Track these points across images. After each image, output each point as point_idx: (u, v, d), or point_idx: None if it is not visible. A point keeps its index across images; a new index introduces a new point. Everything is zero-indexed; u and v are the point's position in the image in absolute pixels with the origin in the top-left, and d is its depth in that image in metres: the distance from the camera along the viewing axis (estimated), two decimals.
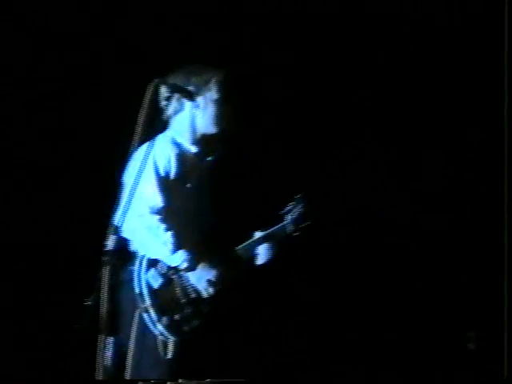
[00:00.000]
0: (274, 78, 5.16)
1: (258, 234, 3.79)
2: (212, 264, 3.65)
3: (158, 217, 3.57)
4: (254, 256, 3.80)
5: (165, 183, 3.65)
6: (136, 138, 3.32)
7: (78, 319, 3.27)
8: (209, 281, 3.60)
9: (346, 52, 5.25)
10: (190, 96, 3.61)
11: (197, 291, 3.61)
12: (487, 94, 5.13)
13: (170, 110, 3.62)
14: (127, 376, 3.62)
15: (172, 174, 3.64)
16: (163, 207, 3.64)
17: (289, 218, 3.85)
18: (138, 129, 3.29)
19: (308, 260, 5.03)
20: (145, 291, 3.53)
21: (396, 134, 5.26)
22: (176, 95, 3.62)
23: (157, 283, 3.54)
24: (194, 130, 3.73)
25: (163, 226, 3.55)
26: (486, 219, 4.88)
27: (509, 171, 4.22)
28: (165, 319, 3.50)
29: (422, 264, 4.76)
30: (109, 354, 3.22)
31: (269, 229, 3.83)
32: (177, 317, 3.56)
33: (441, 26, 5.29)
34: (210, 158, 3.79)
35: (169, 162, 3.65)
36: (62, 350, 4.34)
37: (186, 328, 3.57)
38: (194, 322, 3.60)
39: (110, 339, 3.20)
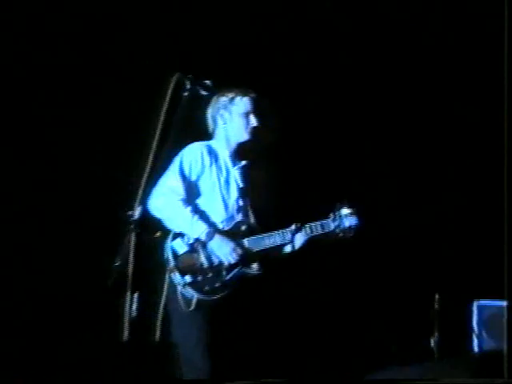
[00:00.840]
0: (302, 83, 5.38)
1: (293, 226, 4.28)
2: (230, 237, 4.21)
3: (179, 197, 4.16)
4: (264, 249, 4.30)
5: (188, 178, 4.22)
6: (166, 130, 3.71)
7: (109, 277, 3.70)
8: (230, 251, 4.15)
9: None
10: (208, 89, 3.89)
11: (218, 259, 4.13)
12: (487, 94, 5.25)
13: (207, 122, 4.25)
14: (156, 328, 4.11)
15: (197, 173, 4.19)
16: (184, 191, 4.20)
17: (331, 218, 4.34)
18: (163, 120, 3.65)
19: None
20: (170, 256, 4.08)
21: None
22: (195, 88, 3.89)
23: (182, 250, 4.09)
24: (227, 138, 4.31)
25: (183, 204, 4.13)
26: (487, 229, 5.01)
27: (509, 171, 4.14)
28: (188, 279, 4.04)
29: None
30: (134, 308, 3.58)
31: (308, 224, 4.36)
32: (199, 278, 4.10)
33: (441, 26, 5.51)
34: (243, 163, 4.33)
35: (197, 161, 4.22)
36: (95, 304, 4.76)
37: (207, 288, 4.09)
38: (216, 283, 4.12)
39: (135, 295, 3.57)
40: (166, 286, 4.18)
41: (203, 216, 4.23)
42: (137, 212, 3.70)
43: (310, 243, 4.38)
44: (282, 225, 4.36)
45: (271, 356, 4.56)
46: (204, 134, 4.40)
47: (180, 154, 4.31)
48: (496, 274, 4.86)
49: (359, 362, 5.08)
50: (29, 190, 5.21)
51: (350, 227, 4.36)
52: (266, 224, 4.38)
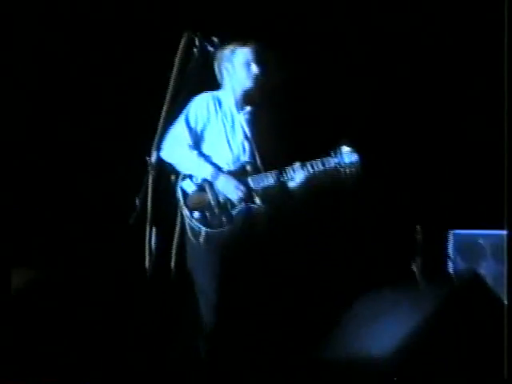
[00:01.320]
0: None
1: (297, 164, 4.52)
2: (234, 177, 4.50)
3: (186, 143, 4.50)
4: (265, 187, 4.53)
5: (194, 126, 4.52)
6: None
7: (130, 214, 4.15)
8: (234, 189, 4.45)
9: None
10: (214, 45, 4.23)
11: (224, 196, 4.45)
12: (487, 93, 5.30)
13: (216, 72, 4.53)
14: (172, 259, 4.49)
15: (203, 121, 4.48)
16: (191, 137, 4.53)
17: (332, 155, 4.52)
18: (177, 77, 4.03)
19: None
20: (180, 195, 4.44)
21: None
22: (203, 44, 4.20)
23: (190, 189, 4.43)
24: (233, 88, 4.58)
25: (190, 149, 4.47)
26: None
27: (509, 170, 4.09)
28: (196, 214, 4.38)
29: None
30: (153, 241, 3.98)
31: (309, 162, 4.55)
32: (207, 213, 4.43)
33: (442, 27, 5.59)
34: (248, 108, 4.59)
35: (202, 111, 4.51)
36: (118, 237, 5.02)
37: (214, 222, 4.43)
38: (222, 218, 4.44)
39: (154, 230, 3.98)
40: (178, 222, 4.50)
41: (209, 159, 4.53)
42: (153, 157, 4.08)
43: (311, 180, 4.54)
44: (285, 164, 4.55)
45: (277, 286, 4.68)
46: (214, 86, 4.59)
47: (188, 104, 4.58)
48: (470, 206, 5.41)
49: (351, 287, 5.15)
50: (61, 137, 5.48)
51: (350, 163, 4.51)
52: (270, 164, 4.58)
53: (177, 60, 4.05)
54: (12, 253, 5.15)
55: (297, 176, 4.53)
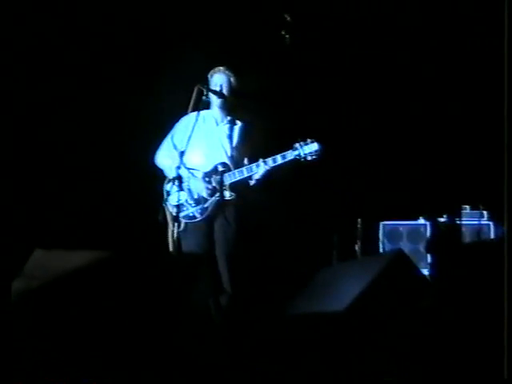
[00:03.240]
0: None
1: (260, 160, 4.89)
2: (204, 177, 4.93)
3: (169, 153, 5.02)
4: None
5: (177, 138, 5.00)
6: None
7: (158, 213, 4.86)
8: (203, 187, 4.95)
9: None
10: (220, 95, 4.98)
11: (197, 193, 4.94)
12: (487, 94, 5.31)
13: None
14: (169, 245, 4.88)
15: (185, 135, 4.86)
16: (174, 148, 5.01)
17: (293, 148, 4.85)
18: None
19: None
20: (165, 195, 4.95)
21: None
22: (208, 92, 4.94)
23: (172, 190, 4.86)
24: (212, 105, 5.04)
25: (173, 159, 4.91)
26: None
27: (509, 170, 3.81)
28: (175, 209, 4.78)
29: None
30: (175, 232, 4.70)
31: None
32: (184, 208, 4.94)
33: (442, 27, 5.82)
34: (228, 118, 5.02)
35: (186, 126, 4.93)
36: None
37: (190, 214, 4.94)
38: (197, 209, 4.94)
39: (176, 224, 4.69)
40: (167, 215, 4.93)
41: (185, 165, 4.95)
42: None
43: (272, 172, 4.86)
44: (251, 162, 4.92)
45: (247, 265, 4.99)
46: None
47: (176, 123, 5.14)
48: (393, 204, 6.13)
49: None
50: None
51: (310, 153, 4.82)
52: (238, 163, 4.99)
53: (191, 103, 4.87)
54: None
55: (259, 170, 4.89)
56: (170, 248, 4.85)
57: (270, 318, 4.76)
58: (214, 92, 5.06)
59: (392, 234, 6.12)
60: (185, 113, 4.99)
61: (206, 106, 5.09)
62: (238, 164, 5.02)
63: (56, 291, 4.45)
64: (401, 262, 4.41)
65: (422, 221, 6.11)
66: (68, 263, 4.58)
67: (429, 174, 5.94)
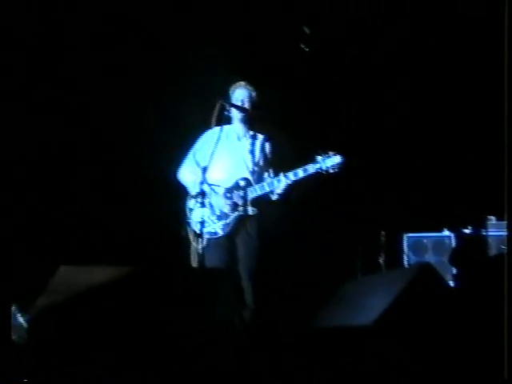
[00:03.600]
0: None
1: (281, 175, 4.86)
2: (226, 194, 4.94)
3: (192, 169, 5.01)
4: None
5: (199, 155, 5.00)
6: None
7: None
8: (223, 203, 4.93)
9: None
10: (242, 110, 5.00)
11: (219, 209, 4.93)
12: (487, 93, 5.33)
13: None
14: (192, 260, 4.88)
15: (207, 150, 4.85)
16: (196, 164, 5.00)
17: (315, 161, 4.80)
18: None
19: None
20: (188, 211, 4.96)
21: None
22: (231, 108, 4.98)
23: (194, 206, 4.87)
24: (234, 119, 5.06)
25: (193, 174, 4.93)
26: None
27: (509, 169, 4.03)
28: (199, 225, 4.71)
29: None
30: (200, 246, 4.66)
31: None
32: (206, 224, 4.83)
33: (443, 27, 5.83)
34: (251, 133, 5.03)
35: (207, 141, 4.96)
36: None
37: (213, 230, 4.94)
38: (219, 225, 4.92)
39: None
40: (191, 232, 4.90)
41: (208, 181, 4.92)
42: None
43: (294, 186, 4.83)
44: (273, 176, 4.90)
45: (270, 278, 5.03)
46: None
47: (197, 140, 5.16)
48: (417, 217, 6.09)
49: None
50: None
51: (332, 166, 4.78)
52: (260, 178, 4.99)
53: (213, 119, 4.83)
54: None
55: (281, 184, 4.87)
56: (193, 264, 4.83)
57: (295, 331, 4.74)
58: (237, 107, 5.06)
59: (416, 246, 6.05)
60: (207, 128, 4.99)
61: (227, 121, 5.09)
62: (259, 179, 5.01)
63: (80, 307, 4.47)
64: (428, 276, 4.37)
65: (446, 232, 6.00)
66: (92, 279, 4.61)
67: (453, 185, 5.93)
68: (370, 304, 4.48)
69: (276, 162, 5.05)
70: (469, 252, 5.77)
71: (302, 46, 5.64)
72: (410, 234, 6.10)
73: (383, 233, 5.88)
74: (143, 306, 4.65)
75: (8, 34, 5.65)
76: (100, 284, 4.59)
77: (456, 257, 5.75)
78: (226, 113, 4.95)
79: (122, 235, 5.85)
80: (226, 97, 5.08)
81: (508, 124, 3.75)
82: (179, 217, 5.03)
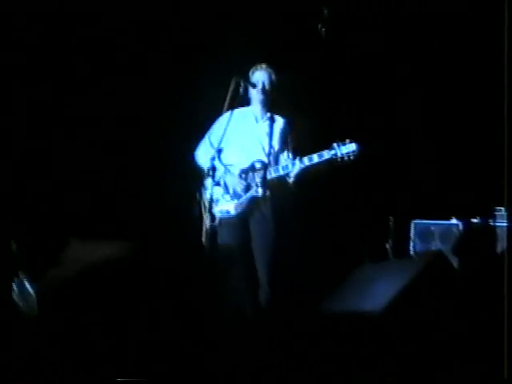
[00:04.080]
0: None
1: (296, 159, 4.88)
2: (239, 174, 4.97)
3: (207, 149, 5.03)
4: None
5: (215, 136, 4.99)
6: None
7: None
8: (237, 182, 4.96)
9: None
10: (253, 85, 4.97)
11: (233, 189, 4.95)
12: (487, 93, 5.33)
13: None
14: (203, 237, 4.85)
15: (223, 132, 4.85)
16: (210, 145, 5.01)
17: (330, 148, 4.83)
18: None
19: None
20: (202, 189, 4.98)
21: None
22: (246, 85, 4.91)
23: (209, 184, 4.80)
24: (253, 101, 5.06)
25: (211, 157, 4.85)
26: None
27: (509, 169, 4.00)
28: (213, 204, 4.82)
29: None
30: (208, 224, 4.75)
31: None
32: (220, 202, 4.96)
33: (443, 27, 5.69)
34: (268, 115, 5.00)
35: (223, 124, 4.90)
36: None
37: (225, 208, 4.97)
38: (231, 204, 4.96)
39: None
40: (204, 210, 4.89)
41: (223, 160, 5.00)
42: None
43: (308, 171, 4.85)
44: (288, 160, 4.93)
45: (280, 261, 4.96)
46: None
47: (214, 123, 5.15)
48: (425, 203, 5.99)
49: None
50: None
51: (347, 153, 4.81)
52: (275, 161, 5.01)
53: (228, 96, 4.83)
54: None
55: (295, 168, 4.89)
56: (204, 242, 4.84)
57: (306, 314, 4.75)
58: (251, 84, 5.05)
59: (423, 233, 5.95)
60: (223, 108, 4.94)
61: (245, 102, 5.08)
62: (275, 162, 5.04)
63: (89, 279, 4.56)
64: (441, 264, 4.46)
65: (454, 221, 5.94)
66: (102, 252, 4.71)
67: (462, 174, 5.88)
68: (381, 290, 4.52)
69: (292, 146, 5.07)
70: (474, 242, 5.70)
71: (320, 27, 5.54)
72: (418, 221, 6.00)
73: (392, 218, 5.84)
74: (151, 282, 4.84)
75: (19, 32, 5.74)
76: (107, 257, 4.67)
77: (461, 247, 5.70)
78: (242, 92, 4.91)
79: (137, 212, 5.83)
80: (246, 78, 5.05)
81: None
82: (193, 196, 5.05)
